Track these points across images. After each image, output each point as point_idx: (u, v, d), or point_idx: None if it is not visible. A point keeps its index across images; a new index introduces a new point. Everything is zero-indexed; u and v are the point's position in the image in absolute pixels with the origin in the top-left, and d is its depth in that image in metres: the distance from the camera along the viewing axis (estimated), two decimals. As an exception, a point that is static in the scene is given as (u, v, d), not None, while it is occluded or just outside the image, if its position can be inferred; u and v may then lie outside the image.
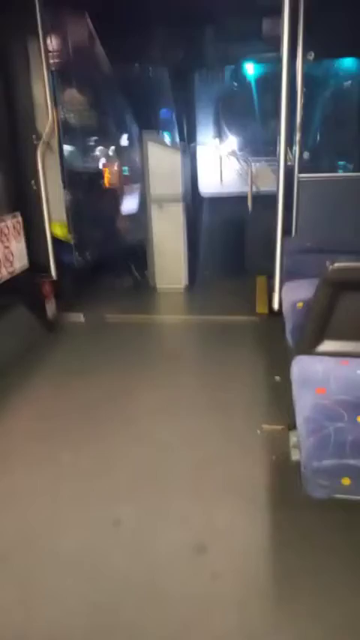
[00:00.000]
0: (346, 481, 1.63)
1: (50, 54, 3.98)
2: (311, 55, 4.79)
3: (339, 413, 1.69)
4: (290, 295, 3.03)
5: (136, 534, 2.16)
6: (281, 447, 2.63)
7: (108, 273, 5.78)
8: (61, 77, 4.46)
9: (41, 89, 3.92)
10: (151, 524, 2.21)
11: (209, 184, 6.33)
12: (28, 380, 3.53)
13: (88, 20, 4.65)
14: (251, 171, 5.82)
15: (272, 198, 3.03)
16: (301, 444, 1.74)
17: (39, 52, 3.79)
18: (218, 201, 6.18)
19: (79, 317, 4.76)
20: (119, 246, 5.74)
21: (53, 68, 4.08)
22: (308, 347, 2.41)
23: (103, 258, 5.38)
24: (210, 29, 5.64)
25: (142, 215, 5.58)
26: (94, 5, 4.50)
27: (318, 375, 1.99)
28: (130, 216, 5.93)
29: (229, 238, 6.01)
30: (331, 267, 2.18)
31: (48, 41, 3.92)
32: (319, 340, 2.38)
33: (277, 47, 2.73)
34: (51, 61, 3.96)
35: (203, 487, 2.42)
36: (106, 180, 5.87)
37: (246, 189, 5.82)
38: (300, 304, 2.78)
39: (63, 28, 4.50)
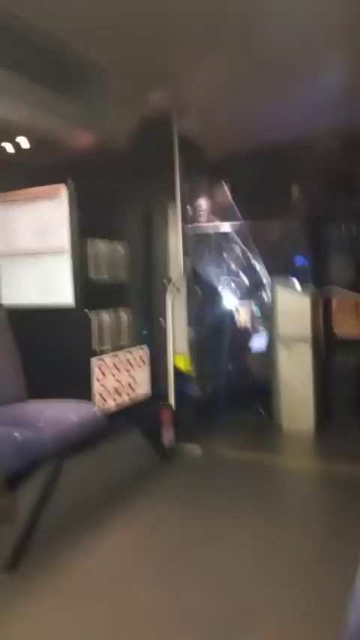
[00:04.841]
0: None
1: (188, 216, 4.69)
2: None
3: None
4: None
5: None
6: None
7: (233, 408, 5.79)
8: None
9: (176, 245, 4.58)
10: None
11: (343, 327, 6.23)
12: (128, 508, 3.57)
13: (226, 186, 5.41)
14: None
15: None
16: None
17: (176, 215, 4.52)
18: (353, 343, 5.98)
19: (196, 449, 4.79)
20: (246, 382, 5.80)
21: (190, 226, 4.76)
22: None
23: (228, 393, 5.46)
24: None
25: (270, 353, 5.65)
26: (232, 173, 5.26)
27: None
28: (259, 354, 6.04)
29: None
30: None
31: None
32: None
33: None
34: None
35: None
36: (242, 319, 6.20)
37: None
38: None
39: (202, 195, 5.30)
